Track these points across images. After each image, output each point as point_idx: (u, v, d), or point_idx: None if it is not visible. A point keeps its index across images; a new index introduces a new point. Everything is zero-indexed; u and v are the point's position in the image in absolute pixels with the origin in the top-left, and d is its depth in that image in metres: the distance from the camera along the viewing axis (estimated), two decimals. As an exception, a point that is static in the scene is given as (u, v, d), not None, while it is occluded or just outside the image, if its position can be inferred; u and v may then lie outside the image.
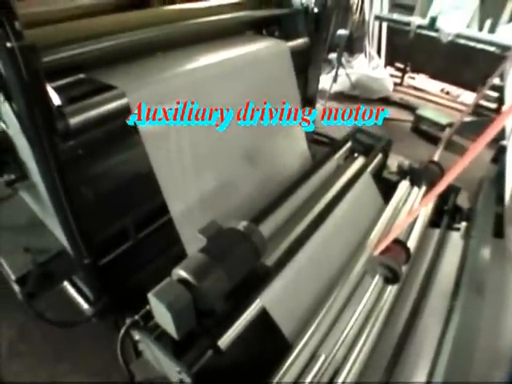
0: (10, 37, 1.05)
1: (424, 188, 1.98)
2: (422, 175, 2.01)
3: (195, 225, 1.27)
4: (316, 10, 2.06)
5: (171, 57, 1.62)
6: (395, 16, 5.76)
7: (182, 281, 1.10)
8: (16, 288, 1.55)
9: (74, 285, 1.91)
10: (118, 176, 1.76)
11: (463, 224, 1.86)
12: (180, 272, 1.10)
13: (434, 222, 1.97)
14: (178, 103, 1.44)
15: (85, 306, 1.80)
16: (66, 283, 1.91)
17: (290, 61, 1.93)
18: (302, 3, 2.09)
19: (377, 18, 5.98)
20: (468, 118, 4.25)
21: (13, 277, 1.52)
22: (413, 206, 1.89)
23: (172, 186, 1.47)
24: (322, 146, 2.54)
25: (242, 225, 1.25)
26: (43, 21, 1.55)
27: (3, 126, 1.54)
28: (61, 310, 2.10)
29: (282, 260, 1.39)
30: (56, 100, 1.28)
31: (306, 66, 2.25)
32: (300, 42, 2.03)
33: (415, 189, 2.01)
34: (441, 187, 1.02)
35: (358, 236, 1.78)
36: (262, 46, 1.83)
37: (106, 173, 1.75)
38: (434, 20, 5.28)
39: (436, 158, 2.12)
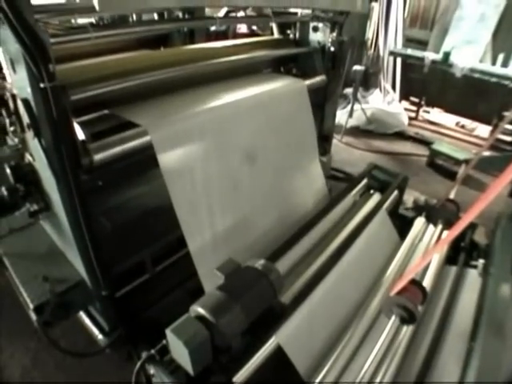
0: (43, 78, 1.12)
1: (440, 226, 1.97)
2: (438, 214, 2.00)
3: (213, 260, 1.30)
4: (332, 48, 2.12)
5: (192, 94, 1.68)
6: (409, 51, 5.83)
7: (200, 318, 1.11)
8: (33, 316, 1.57)
9: (89, 314, 1.92)
10: (136, 208, 1.80)
11: (481, 261, 1.83)
12: (198, 309, 1.11)
13: (450, 258, 1.94)
14: (199, 141, 1.48)
15: (99, 336, 1.81)
16: (81, 312, 1.93)
17: (307, 98, 1.98)
18: (319, 42, 2.16)
19: (391, 53, 6.06)
20: (486, 152, 4.24)
21: (31, 305, 1.55)
22: (429, 243, 1.88)
23: (191, 221, 1.50)
24: (339, 181, 2.55)
25: (259, 263, 1.26)
26: (71, 56, 1.64)
27: (30, 158, 1.60)
28: (75, 339, 2.12)
29: (298, 297, 1.39)
30: (81, 135, 1.33)
31: (322, 102, 2.29)
32: (317, 79, 2.09)
33: (431, 226, 2.00)
34: (457, 230, 1.01)
35: (374, 273, 1.77)
36: (280, 84, 1.89)
37: (125, 205, 1.79)
38: (447, 55, 5.35)
39: (452, 195, 2.12)
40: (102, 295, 1.59)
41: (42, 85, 1.12)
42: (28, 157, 1.62)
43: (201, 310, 1.11)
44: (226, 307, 1.12)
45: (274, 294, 1.25)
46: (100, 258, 1.50)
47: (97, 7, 0.97)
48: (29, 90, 1.18)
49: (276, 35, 2.24)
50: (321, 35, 2.17)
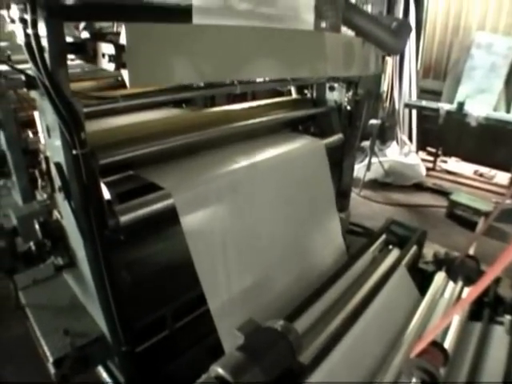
0: (76, 145, 1.20)
1: (460, 283, 1.95)
2: (458, 271, 1.98)
3: (233, 318, 1.31)
4: (349, 107, 2.20)
5: (213, 156, 1.76)
6: (424, 103, 5.95)
7: (220, 378, 1.12)
8: (51, 369, 1.58)
9: (106, 367, 1.92)
10: (158, 264, 1.83)
11: (507, 317, 1.76)
12: (218, 369, 1.12)
13: (473, 312, 1.86)
14: (219, 203, 1.54)
15: (116, 390, 1.80)
16: (98, 365, 1.93)
17: (325, 158, 2.04)
18: (336, 101, 2.24)
19: (406, 105, 6.19)
20: (508, 201, 4.19)
21: (50, 358, 1.57)
22: (450, 300, 1.85)
23: (211, 280, 1.53)
24: (357, 235, 2.56)
25: (278, 324, 1.27)
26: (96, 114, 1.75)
27: (58, 216, 1.67)
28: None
29: (318, 357, 1.38)
30: (107, 195, 1.40)
31: (340, 159, 2.35)
32: (334, 138, 2.16)
33: (452, 282, 1.97)
34: (479, 289, 0.99)
35: (395, 331, 1.74)
36: (298, 145, 1.96)
37: (147, 260, 1.82)
38: (461, 105, 5.45)
39: (472, 251, 2.10)
40: (121, 350, 1.60)
41: (74, 151, 1.20)
42: (56, 214, 1.70)
43: (221, 371, 1.11)
44: (246, 369, 1.12)
45: (293, 354, 1.25)
46: (121, 314, 1.53)
47: (128, 84, 1.05)
48: (62, 155, 1.26)
49: (294, 95, 2.34)
50: (337, 94, 2.26)
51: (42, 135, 1.56)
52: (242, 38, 1.39)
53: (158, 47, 1.13)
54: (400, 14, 6.27)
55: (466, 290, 1.94)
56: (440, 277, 2.01)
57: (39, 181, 1.90)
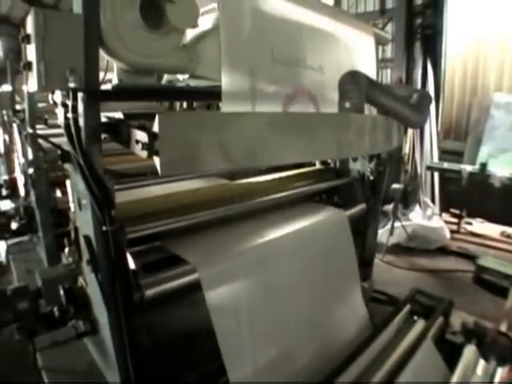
0: (106, 222, 1.24)
1: (493, 363, 1.85)
2: (491, 349, 1.89)
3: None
4: (372, 177, 2.22)
5: (238, 229, 1.79)
6: (446, 165, 5.93)
7: None
8: None
9: None
10: (178, 332, 1.82)
11: None
12: None
13: None
14: (244, 278, 1.55)
15: None
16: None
17: (348, 229, 2.05)
18: (359, 171, 2.27)
19: (428, 168, 6.18)
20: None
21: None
22: (484, 379, 1.75)
23: (233, 353, 1.51)
24: (381, 303, 2.49)
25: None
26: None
27: (83, 283, 1.69)
28: None
29: None
30: (132, 265, 1.42)
31: (363, 229, 2.34)
32: (357, 208, 2.17)
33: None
34: None
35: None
36: (322, 217, 1.99)
37: (167, 329, 1.82)
38: (484, 166, 5.42)
39: (504, 327, 2.01)
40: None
41: (104, 228, 1.24)
42: (81, 280, 1.72)
43: None
44: None
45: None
46: (141, 383, 1.50)
47: (160, 172, 1.10)
48: (91, 229, 1.31)
49: (318, 165, 2.39)
50: (360, 164, 2.29)
51: (72, 204, 1.62)
52: (269, 123, 1.44)
53: (188, 135, 1.18)
54: (419, 77, 6.46)
55: (500, 370, 1.85)
56: (470, 351, 1.92)
57: (65, 242, 1.94)
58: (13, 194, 3.52)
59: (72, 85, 1.16)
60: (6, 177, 3.87)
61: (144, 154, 1.12)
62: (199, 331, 1.70)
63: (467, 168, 5.63)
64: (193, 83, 1.79)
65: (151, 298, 1.34)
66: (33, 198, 2.74)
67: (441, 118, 6.67)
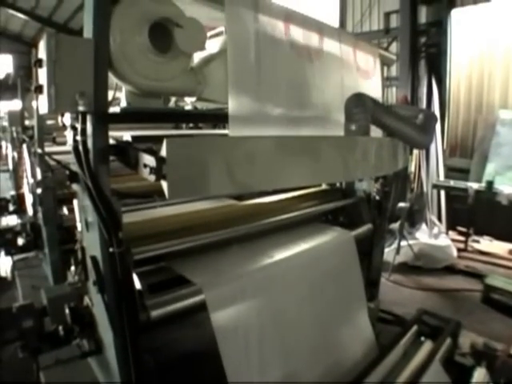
0: (113, 244, 1.24)
1: (503, 385, 1.82)
2: (501, 373, 1.86)
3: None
4: (378, 197, 2.22)
5: (244, 250, 1.79)
6: (452, 183, 5.91)
7: None
8: None
9: None
10: (183, 354, 1.81)
11: None
12: None
13: None
14: (249, 299, 1.55)
15: None
16: None
17: (354, 250, 2.04)
18: (365, 191, 2.27)
19: (435, 186, 6.16)
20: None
21: None
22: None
23: (238, 375, 1.49)
24: (387, 324, 2.47)
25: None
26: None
27: (89, 302, 1.69)
28: None
29: None
30: (138, 285, 1.42)
31: (369, 248, 2.33)
32: (364, 228, 2.17)
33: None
34: None
35: None
36: (328, 238, 1.99)
37: (172, 347, 1.81)
38: (490, 183, 5.39)
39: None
40: None
41: (111, 249, 1.25)
42: (87, 300, 1.72)
43: None
44: None
45: None
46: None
47: (167, 196, 1.11)
48: (98, 250, 1.31)
49: (324, 186, 2.39)
50: (366, 184, 2.29)
51: (79, 224, 1.63)
52: (277, 147, 1.45)
53: (196, 159, 1.20)
54: (424, 95, 6.48)
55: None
56: (480, 374, 1.88)
57: (71, 260, 1.94)
58: (19, 209, 3.55)
59: (81, 108, 1.18)
60: (13, 192, 3.90)
61: (152, 178, 1.12)
62: (204, 353, 1.69)
63: (473, 186, 5.61)
64: (200, 105, 1.83)
65: (157, 319, 1.34)
66: (40, 214, 2.75)
67: (446, 135, 6.68)
